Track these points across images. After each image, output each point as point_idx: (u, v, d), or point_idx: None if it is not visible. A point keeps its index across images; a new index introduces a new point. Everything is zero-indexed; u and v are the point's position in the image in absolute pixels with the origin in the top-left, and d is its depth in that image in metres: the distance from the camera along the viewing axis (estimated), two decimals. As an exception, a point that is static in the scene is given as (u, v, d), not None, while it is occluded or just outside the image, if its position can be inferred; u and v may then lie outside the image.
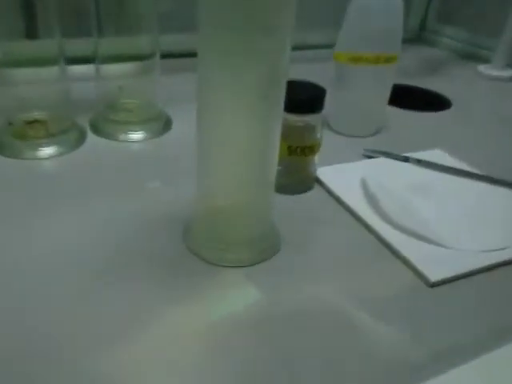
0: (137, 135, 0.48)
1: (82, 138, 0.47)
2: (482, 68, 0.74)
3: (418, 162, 0.46)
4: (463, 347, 0.27)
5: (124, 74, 0.49)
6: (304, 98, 0.36)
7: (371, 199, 0.39)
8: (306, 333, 0.28)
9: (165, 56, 0.50)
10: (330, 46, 0.51)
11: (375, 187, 0.39)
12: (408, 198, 0.39)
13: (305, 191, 0.41)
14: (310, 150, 0.39)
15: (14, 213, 0.36)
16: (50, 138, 0.45)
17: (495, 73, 0.73)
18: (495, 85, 0.72)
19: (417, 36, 0.92)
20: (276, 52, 0.26)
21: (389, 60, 0.48)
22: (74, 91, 0.47)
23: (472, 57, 0.81)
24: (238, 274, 0.31)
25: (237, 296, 0.30)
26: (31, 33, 0.46)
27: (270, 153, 0.30)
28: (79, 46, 0.49)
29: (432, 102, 0.65)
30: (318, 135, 0.39)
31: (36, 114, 0.45)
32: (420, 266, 0.32)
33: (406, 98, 0.64)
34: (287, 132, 0.36)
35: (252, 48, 0.25)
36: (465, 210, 0.39)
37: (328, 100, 0.39)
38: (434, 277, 0.31)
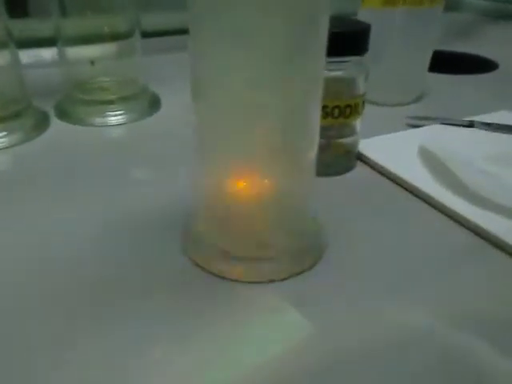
0: (115, 118, 0.37)
1: (43, 124, 0.36)
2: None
3: (488, 125, 0.35)
4: None
5: (97, 55, 0.39)
6: (342, 34, 0.25)
7: (443, 172, 0.27)
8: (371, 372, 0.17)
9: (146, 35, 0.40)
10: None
11: (445, 157, 0.28)
12: (492, 168, 0.28)
13: (346, 171, 0.30)
14: (353, 110, 0.27)
15: None
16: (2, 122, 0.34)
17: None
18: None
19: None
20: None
21: (434, 1, 0.37)
22: (34, 77, 0.36)
23: (502, 16, 0.70)
24: (267, 294, 0.20)
25: (270, 329, 0.19)
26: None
27: (306, 119, 0.19)
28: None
29: (476, 65, 0.54)
30: (362, 90, 0.28)
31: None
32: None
33: (446, 64, 0.53)
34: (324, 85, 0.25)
35: None
36: None
37: None
38: None
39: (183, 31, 0.20)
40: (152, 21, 0.53)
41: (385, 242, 0.24)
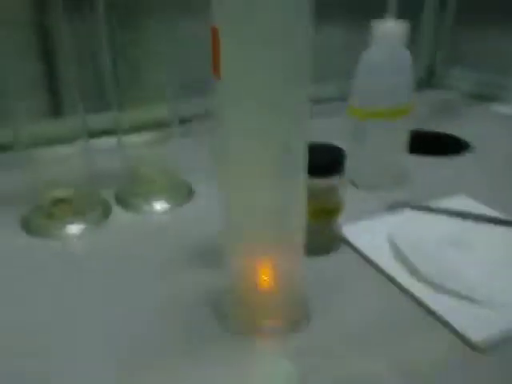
0: (161, 205, 0.49)
1: (107, 213, 0.48)
2: (497, 107, 0.74)
3: (446, 211, 0.45)
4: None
5: (144, 143, 0.50)
6: (324, 162, 0.37)
7: (402, 257, 0.38)
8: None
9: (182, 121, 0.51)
10: (344, 98, 0.52)
11: (404, 244, 0.39)
12: (442, 252, 0.38)
13: (330, 252, 0.40)
14: (334, 211, 0.38)
15: (41, 293, 0.36)
16: (75, 215, 0.46)
17: (509, 110, 0.73)
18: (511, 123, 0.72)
19: (426, 81, 0.93)
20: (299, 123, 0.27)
21: (403, 112, 0.49)
22: (97, 165, 0.48)
23: (484, 97, 0.82)
24: (270, 346, 0.30)
25: (271, 370, 0.29)
26: (55, 111, 0.48)
27: (297, 219, 0.30)
28: (98, 119, 0.51)
29: (451, 145, 0.65)
30: (341, 196, 0.39)
31: (62, 192, 0.47)
32: (460, 327, 0.31)
33: (425, 143, 0.64)
34: (310, 195, 0.36)
35: (266, 126, 0.26)
36: (503, 261, 0.37)
37: (347, 154, 0.39)
38: (476, 337, 0.30)
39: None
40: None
41: (357, 311, 0.34)
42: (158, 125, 0.50)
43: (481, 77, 0.84)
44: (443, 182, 0.54)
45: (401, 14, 0.49)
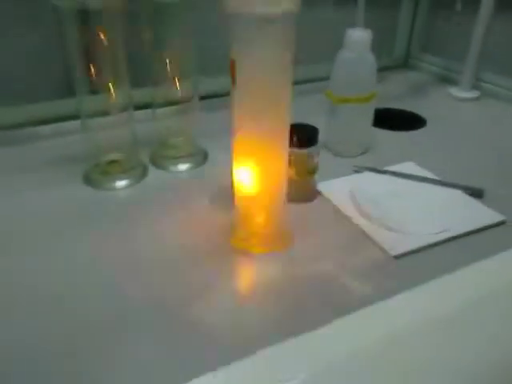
0: (183, 166, 0.66)
1: (145, 172, 0.64)
2: (452, 90, 0.90)
3: (394, 173, 0.62)
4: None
5: (171, 114, 0.65)
6: (304, 137, 0.53)
7: (356, 204, 0.55)
8: (309, 289, 0.44)
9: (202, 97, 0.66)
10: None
11: (359, 195, 0.56)
12: (382, 201, 0.55)
13: (310, 201, 0.57)
14: (311, 171, 0.55)
15: (98, 226, 0.53)
16: (124, 173, 0.62)
17: (462, 94, 0.89)
18: (462, 104, 0.88)
19: (403, 62, 1.08)
20: (283, 112, 0.43)
21: (368, 99, 0.64)
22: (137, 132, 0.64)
23: (447, 80, 0.97)
24: (266, 258, 0.48)
25: (267, 270, 0.46)
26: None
27: (281, 175, 0.47)
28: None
29: (411, 121, 0.81)
30: (316, 161, 0.55)
31: (113, 156, 0.63)
32: (385, 246, 0.48)
33: (389, 118, 0.80)
34: (294, 160, 0.53)
35: (263, 115, 0.42)
36: (421, 206, 0.55)
37: (325, 127, 0.54)
38: (394, 252, 0.47)
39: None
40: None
41: (324, 236, 0.51)
42: (181, 100, 0.64)
43: (446, 62, 0.99)
44: (399, 151, 0.70)
45: (381, 5, 0.61)
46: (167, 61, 0.61)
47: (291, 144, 0.48)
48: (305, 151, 0.54)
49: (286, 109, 0.43)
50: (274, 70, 0.40)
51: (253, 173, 0.46)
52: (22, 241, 0.51)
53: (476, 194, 0.58)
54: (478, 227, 0.51)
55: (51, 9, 0.50)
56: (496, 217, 0.53)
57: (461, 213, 0.54)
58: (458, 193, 0.58)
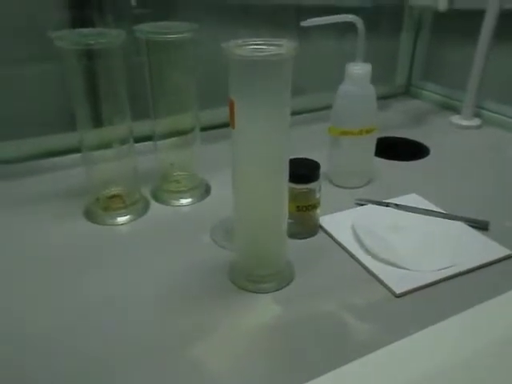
0: (185, 200, 0.65)
1: (147, 206, 0.64)
2: (453, 118, 0.90)
3: (397, 206, 0.61)
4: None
5: (172, 147, 0.65)
6: (304, 173, 0.53)
7: (358, 239, 0.54)
8: (310, 331, 0.43)
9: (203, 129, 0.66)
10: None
11: (361, 230, 0.55)
12: (385, 235, 0.54)
13: (312, 236, 0.57)
14: (312, 207, 0.55)
15: (98, 263, 0.52)
16: (125, 208, 0.62)
17: (464, 122, 0.88)
18: (465, 133, 0.88)
19: (405, 90, 1.09)
20: (282, 151, 0.43)
21: (369, 131, 0.64)
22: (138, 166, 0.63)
23: (449, 108, 0.97)
24: (266, 298, 0.47)
25: (267, 310, 0.45)
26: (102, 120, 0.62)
27: (282, 212, 0.46)
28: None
29: (414, 150, 0.81)
30: (317, 196, 0.55)
31: (114, 190, 0.63)
32: (390, 284, 0.47)
33: (392, 147, 0.80)
34: (295, 196, 0.52)
35: (262, 155, 0.42)
36: (426, 240, 0.54)
37: (327, 160, 0.53)
38: (398, 290, 0.46)
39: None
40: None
41: (325, 273, 0.50)
42: (182, 132, 0.64)
43: (447, 90, 1.00)
44: (402, 182, 0.70)
45: (382, 33, 0.62)
46: (167, 93, 0.61)
47: (292, 179, 0.48)
48: (306, 187, 0.53)
49: (285, 145, 0.43)
50: (273, 110, 0.40)
51: (253, 208, 0.45)
52: (22, 278, 0.50)
53: (481, 226, 0.57)
54: (483, 262, 0.51)
55: (54, 49, 0.50)
56: (502, 251, 0.52)
57: (466, 247, 0.53)
58: (463, 225, 0.57)
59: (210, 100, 0.71)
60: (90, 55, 0.53)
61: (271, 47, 0.38)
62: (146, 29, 0.56)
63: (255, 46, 0.38)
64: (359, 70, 0.62)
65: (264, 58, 0.36)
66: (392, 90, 1.07)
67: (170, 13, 0.79)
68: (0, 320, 0.45)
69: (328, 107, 0.68)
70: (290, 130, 0.42)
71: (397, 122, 0.92)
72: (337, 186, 0.68)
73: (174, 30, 0.56)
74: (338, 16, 0.58)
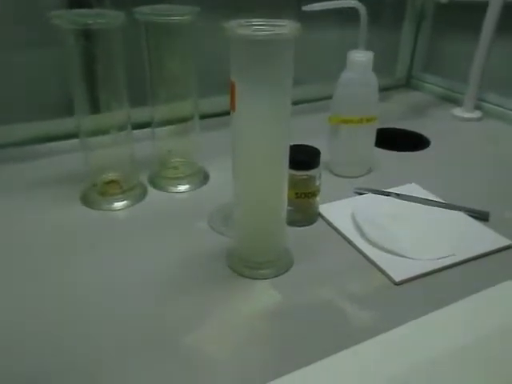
0: (183, 187, 0.65)
1: (144, 192, 0.63)
2: (455, 110, 0.90)
3: (397, 195, 0.61)
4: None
5: (171, 134, 0.65)
6: (304, 160, 0.52)
7: (358, 228, 0.54)
8: (308, 317, 0.43)
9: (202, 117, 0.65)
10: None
11: (361, 218, 0.54)
12: (385, 224, 0.54)
13: (311, 224, 0.56)
14: (312, 194, 0.54)
15: (95, 248, 0.52)
16: (122, 193, 0.61)
17: (465, 114, 0.88)
18: (465, 125, 0.88)
19: (405, 82, 1.08)
20: (282, 135, 0.42)
21: (370, 120, 0.64)
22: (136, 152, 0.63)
23: (450, 100, 0.97)
24: (265, 283, 0.47)
25: (265, 296, 0.45)
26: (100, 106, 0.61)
27: (281, 198, 0.46)
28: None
29: (414, 141, 0.80)
30: (317, 183, 0.54)
31: (111, 175, 0.62)
32: (389, 271, 0.47)
33: (393, 138, 0.80)
34: (294, 183, 0.52)
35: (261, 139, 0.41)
36: (425, 229, 0.53)
37: (327, 149, 0.53)
38: (398, 278, 0.46)
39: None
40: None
41: (324, 261, 0.50)
42: (181, 119, 0.63)
43: (448, 82, 0.99)
44: (402, 172, 0.69)
45: (384, 25, 0.60)
46: (166, 79, 0.60)
47: (292, 166, 0.47)
48: (306, 173, 0.53)
49: (285, 131, 0.42)
50: (274, 92, 0.39)
51: (252, 194, 0.45)
52: (19, 262, 0.50)
53: (481, 216, 0.57)
54: (483, 252, 0.50)
55: (52, 28, 0.49)
56: (502, 241, 0.52)
57: (466, 237, 0.53)
58: (463, 215, 0.57)
59: (209, 88, 0.70)
60: (88, 36, 0.52)
61: (274, 27, 0.37)
62: (145, 11, 0.55)
63: (257, 27, 0.38)
64: (361, 57, 0.61)
65: (267, 37, 0.35)
66: (393, 81, 1.06)
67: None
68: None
69: (327, 98, 0.67)
70: (290, 114, 0.42)
71: (397, 114, 0.92)
72: (336, 175, 0.67)
73: (174, 13, 0.55)
74: (340, 1, 0.57)
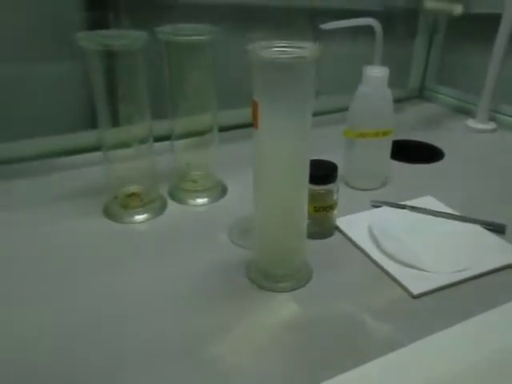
0: (202, 200, 0.66)
1: (164, 205, 0.65)
2: (469, 122, 0.90)
3: (413, 208, 0.62)
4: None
5: (190, 147, 0.66)
6: (322, 174, 0.53)
7: (375, 241, 0.55)
8: (328, 330, 0.44)
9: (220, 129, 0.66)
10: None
11: (378, 232, 0.55)
12: (401, 237, 0.55)
13: (328, 237, 0.57)
14: (330, 208, 0.55)
15: (117, 261, 0.53)
16: (143, 206, 0.63)
17: (479, 126, 0.89)
18: (480, 136, 0.89)
19: (418, 93, 1.09)
20: (303, 151, 0.44)
21: (386, 134, 0.65)
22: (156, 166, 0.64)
23: (462, 111, 0.97)
24: (285, 296, 0.48)
25: (285, 309, 0.46)
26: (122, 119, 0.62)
27: (301, 212, 0.47)
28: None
29: (428, 153, 0.81)
30: (335, 197, 0.55)
31: (132, 188, 0.64)
32: (407, 284, 0.47)
33: (407, 150, 0.81)
34: (313, 197, 0.53)
35: (283, 155, 0.43)
36: (441, 242, 0.54)
37: (343, 162, 0.53)
38: (416, 291, 0.47)
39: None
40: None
41: (342, 274, 0.51)
42: (200, 132, 0.65)
43: (461, 94, 1.00)
44: (417, 185, 0.70)
45: (397, 36, 0.61)
46: (187, 94, 0.62)
47: (310, 180, 0.48)
48: (324, 188, 0.54)
49: (306, 146, 0.43)
50: (296, 111, 0.41)
51: (274, 208, 0.46)
52: (43, 275, 0.51)
53: (497, 229, 0.57)
54: (500, 266, 0.51)
55: (74, 49, 0.51)
56: (519, 254, 0.53)
57: (482, 250, 0.53)
58: (479, 228, 0.57)
59: (227, 101, 0.71)
60: (111, 55, 0.54)
61: (295, 49, 0.39)
62: (167, 30, 0.57)
63: (279, 49, 0.39)
64: (378, 73, 0.62)
65: (289, 60, 0.37)
66: (406, 92, 1.07)
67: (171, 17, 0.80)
68: (23, 316, 0.46)
69: (340, 110, 0.68)
70: (311, 130, 0.43)
71: (411, 125, 0.93)
72: (352, 187, 0.68)
73: (194, 32, 0.57)
74: (358, 19, 0.59)
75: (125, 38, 0.54)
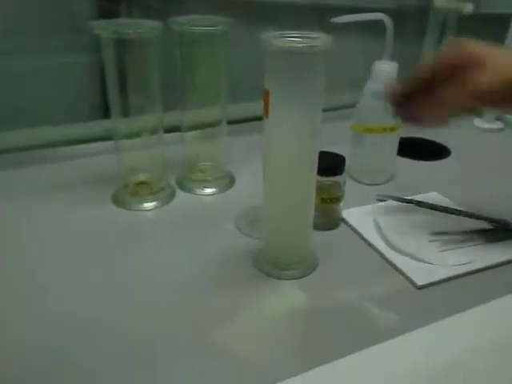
0: (210, 190, 0.67)
1: (173, 194, 0.66)
2: (476, 121, 0.91)
3: (418, 203, 0.62)
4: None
5: (199, 138, 0.67)
6: (330, 166, 0.54)
7: (380, 233, 0.55)
8: (332, 318, 0.44)
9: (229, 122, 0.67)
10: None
11: (383, 224, 0.56)
12: (407, 229, 0.55)
13: (334, 228, 0.58)
14: (337, 200, 0.56)
15: (128, 247, 0.54)
16: (152, 194, 0.64)
17: (486, 125, 0.89)
18: (486, 136, 0.89)
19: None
20: (312, 141, 0.44)
21: (392, 129, 0.65)
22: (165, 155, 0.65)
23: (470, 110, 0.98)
24: (291, 284, 0.48)
25: (292, 296, 0.47)
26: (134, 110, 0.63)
27: (309, 202, 0.48)
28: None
29: (434, 150, 0.82)
30: (342, 189, 0.56)
31: (142, 177, 0.65)
32: (411, 275, 0.48)
33: (414, 147, 0.81)
34: (320, 188, 0.54)
35: (292, 146, 0.43)
36: (445, 236, 0.55)
37: (349, 155, 0.54)
38: (420, 282, 0.47)
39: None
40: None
41: (347, 263, 0.52)
42: (210, 124, 0.66)
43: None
44: (423, 181, 0.70)
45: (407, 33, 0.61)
46: (198, 85, 0.63)
47: (318, 172, 0.49)
48: (331, 179, 0.55)
49: (316, 137, 0.44)
50: (307, 101, 0.42)
51: (282, 197, 0.47)
52: (54, 261, 0.52)
53: (503, 226, 0.58)
54: (504, 260, 0.51)
55: (93, 37, 0.52)
56: (522, 250, 0.53)
57: (486, 245, 0.54)
58: (484, 225, 0.58)
59: (237, 94, 0.72)
60: (126, 44, 0.55)
61: (307, 39, 0.39)
62: (181, 21, 0.57)
63: (292, 38, 0.40)
64: (387, 68, 0.63)
65: (303, 49, 0.38)
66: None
67: (182, 9, 0.81)
68: (41, 304, 0.47)
69: (347, 106, 0.69)
70: (320, 121, 0.44)
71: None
72: (358, 181, 0.69)
73: (209, 23, 0.57)
74: (368, 14, 0.59)
75: (141, 26, 0.55)
